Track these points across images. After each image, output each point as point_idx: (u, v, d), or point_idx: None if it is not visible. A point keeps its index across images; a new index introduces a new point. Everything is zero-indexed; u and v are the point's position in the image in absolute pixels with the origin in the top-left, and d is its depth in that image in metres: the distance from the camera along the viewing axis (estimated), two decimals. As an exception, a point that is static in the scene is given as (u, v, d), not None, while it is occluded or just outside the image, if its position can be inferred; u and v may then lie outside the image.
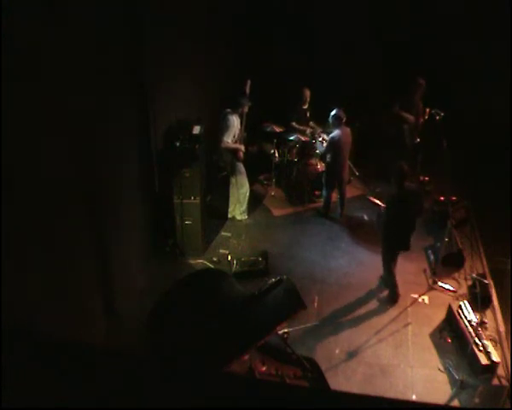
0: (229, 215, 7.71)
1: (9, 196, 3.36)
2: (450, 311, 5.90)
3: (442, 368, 5.40)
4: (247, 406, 1.28)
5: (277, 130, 8.14)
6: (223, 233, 7.45)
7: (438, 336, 5.79)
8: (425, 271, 6.79)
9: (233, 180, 7.39)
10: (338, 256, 7.09)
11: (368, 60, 9.02)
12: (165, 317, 4.18)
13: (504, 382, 5.19)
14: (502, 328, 5.78)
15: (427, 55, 8.70)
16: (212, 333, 3.87)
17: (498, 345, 5.51)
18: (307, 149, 8.40)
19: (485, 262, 6.87)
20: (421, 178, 8.55)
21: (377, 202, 6.25)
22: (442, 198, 7.75)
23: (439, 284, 6.52)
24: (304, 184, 8.25)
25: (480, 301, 5.86)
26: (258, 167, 8.59)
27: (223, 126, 7.01)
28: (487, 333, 5.56)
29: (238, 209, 7.63)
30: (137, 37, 5.57)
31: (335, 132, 7.35)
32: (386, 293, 6.41)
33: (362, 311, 6.17)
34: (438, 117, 8.11)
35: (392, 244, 6.14)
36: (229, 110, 7.03)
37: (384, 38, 8.81)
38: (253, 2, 9.06)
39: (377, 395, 3.35)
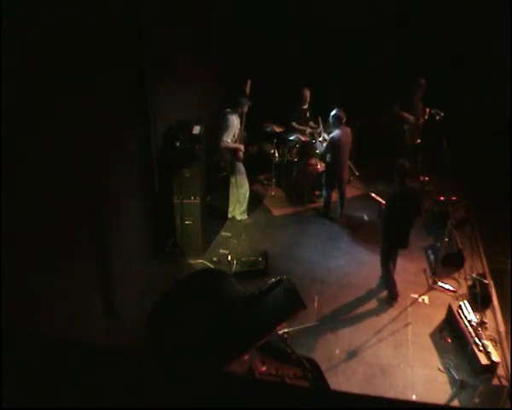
0: (229, 215, 7.71)
1: (9, 195, 3.36)
2: (450, 311, 5.90)
3: (442, 368, 5.40)
4: (247, 406, 1.28)
5: (277, 130, 8.14)
6: (223, 233, 7.46)
7: (438, 336, 5.79)
8: (425, 271, 6.79)
9: (233, 180, 7.39)
10: (338, 256, 7.09)
11: (368, 60, 9.03)
12: (165, 317, 4.18)
13: (504, 382, 5.20)
14: (502, 328, 5.79)
15: (427, 55, 8.70)
16: (212, 333, 3.87)
17: (498, 345, 5.51)
18: (307, 149, 8.40)
19: (485, 262, 6.87)
20: (421, 178, 8.56)
21: (378, 198, 6.26)
22: (442, 198, 7.76)
23: (439, 284, 6.52)
24: (304, 184, 8.26)
25: (479, 301, 5.86)
26: (258, 167, 8.59)
27: (222, 126, 7.02)
28: (487, 333, 5.56)
29: (238, 209, 7.64)
30: (137, 37, 5.56)
31: (335, 132, 7.35)
32: (386, 293, 6.41)
33: (362, 311, 6.17)
34: (438, 117, 8.13)
35: (391, 241, 6.15)
36: (228, 110, 7.03)
37: (384, 37, 8.81)
38: (253, 2, 9.06)
39: (377, 395, 3.36)
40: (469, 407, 5.06)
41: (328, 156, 7.49)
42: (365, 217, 7.94)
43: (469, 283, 6.43)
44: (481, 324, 5.60)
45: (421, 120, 8.44)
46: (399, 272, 6.52)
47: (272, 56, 8.83)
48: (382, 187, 7.85)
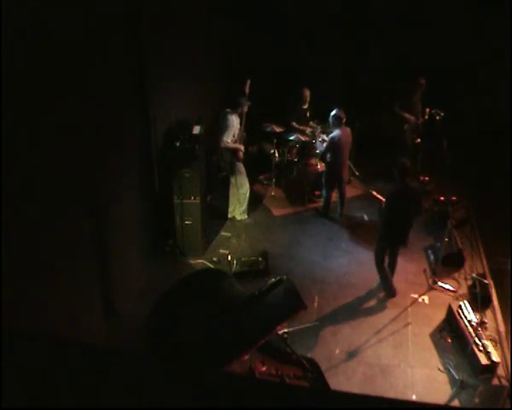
0: (229, 215, 7.71)
1: (9, 195, 3.36)
2: (450, 311, 5.90)
3: (442, 368, 5.40)
4: (247, 406, 1.28)
5: (277, 130, 8.14)
6: (223, 233, 7.46)
7: (438, 336, 5.79)
8: (425, 271, 6.79)
9: (233, 180, 7.39)
10: (338, 256, 7.09)
11: (368, 60, 9.03)
12: (165, 317, 4.18)
13: (504, 382, 5.20)
14: (502, 328, 5.79)
15: (427, 56, 8.70)
16: (212, 333, 3.88)
17: (498, 345, 5.51)
18: (307, 149, 8.41)
19: (485, 262, 6.87)
20: (421, 178, 8.56)
21: (379, 196, 6.27)
22: (442, 198, 7.76)
23: (439, 284, 6.52)
24: (304, 184, 8.26)
25: (479, 301, 5.86)
26: (258, 167, 8.59)
27: (222, 126, 7.02)
28: (487, 333, 5.56)
29: (238, 209, 7.64)
30: (137, 37, 5.57)
31: (335, 132, 7.35)
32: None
33: (362, 311, 6.17)
34: (438, 117, 8.14)
35: (390, 240, 6.16)
36: (228, 110, 7.03)
37: (384, 37, 8.81)
38: (253, 2, 9.06)
39: (377, 395, 3.36)
40: (469, 407, 5.06)
41: (328, 156, 7.49)
42: (365, 217, 7.94)
43: (469, 283, 6.43)
44: (481, 324, 5.60)
45: (421, 119, 8.45)
46: (399, 272, 6.52)
47: (272, 56, 8.83)
48: (382, 187, 7.85)
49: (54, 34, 3.87)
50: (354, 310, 6.18)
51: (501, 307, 6.05)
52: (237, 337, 3.94)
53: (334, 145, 7.35)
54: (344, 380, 5.24)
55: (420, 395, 5.08)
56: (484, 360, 5.22)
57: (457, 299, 6.18)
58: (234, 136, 7.10)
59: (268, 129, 8.16)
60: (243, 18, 8.92)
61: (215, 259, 6.86)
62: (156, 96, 6.04)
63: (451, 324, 5.83)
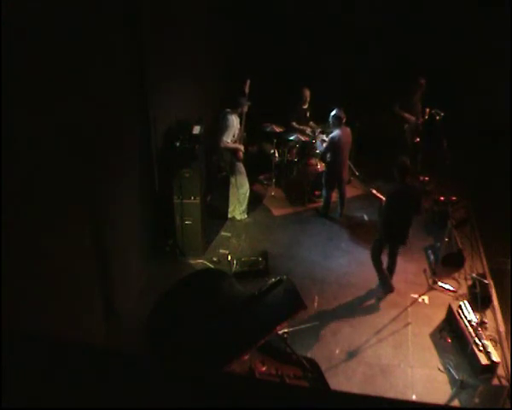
0: (229, 215, 7.71)
1: (9, 195, 3.36)
2: (450, 311, 5.90)
3: (442, 368, 5.40)
4: (247, 406, 1.28)
5: (277, 130, 8.14)
6: (223, 233, 7.46)
7: (438, 336, 5.79)
8: (425, 271, 6.79)
9: (233, 180, 7.39)
10: (338, 256, 7.09)
11: (368, 60, 9.03)
12: (166, 317, 4.18)
13: (504, 382, 5.20)
14: (502, 328, 5.79)
15: (427, 56, 8.70)
16: (212, 333, 3.88)
17: (498, 345, 5.51)
18: (307, 149, 8.41)
19: (485, 262, 6.87)
20: (421, 178, 8.56)
21: (379, 195, 6.28)
22: (442, 198, 7.76)
23: (439, 284, 6.52)
24: (304, 184, 8.26)
25: (479, 301, 5.86)
26: (258, 167, 8.59)
27: (222, 126, 7.02)
28: (487, 333, 5.56)
29: (238, 209, 7.64)
30: (137, 37, 5.57)
31: (335, 132, 7.35)
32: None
33: (362, 311, 6.17)
34: (438, 117, 8.14)
35: (388, 238, 6.18)
36: (228, 110, 7.03)
37: (384, 37, 8.81)
38: (253, 2, 9.06)
39: (377, 395, 3.36)
40: (469, 407, 5.06)
41: (328, 156, 7.49)
42: (365, 217, 7.94)
43: (469, 283, 6.43)
44: (481, 324, 5.60)
45: (421, 119, 8.45)
46: (399, 272, 6.52)
47: (272, 56, 8.83)
48: (382, 187, 7.85)
49: (54, 34, 3.87)
50: (354, 310, 6.18)
51: (501, 307, 6.05)
52: (237, 337, 3.94)
53: (334, 145, 7.35)
54: (344, 380, 5.24)
55: (420, 395, 5.08)
56: (484, 360, 5.22)
57: (457, 299, 6.18)
58: (234, 136, 7.10)
59: (268, 129, 8.16)
60: (243, 18, 8.92)
61: (215, 259, 6.86)
62: (156, 96, 6.04)
63: (451, 324, 5.83)
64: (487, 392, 5.21)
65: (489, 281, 6.22)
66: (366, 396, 1.44)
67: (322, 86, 8.34)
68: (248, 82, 7.15)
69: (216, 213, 7.71)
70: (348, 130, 7.47)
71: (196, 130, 6.54)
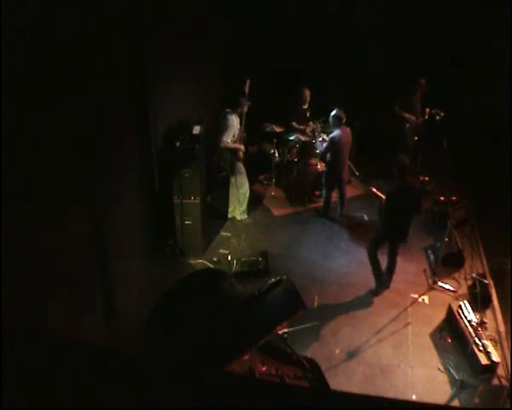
0: (229, 215, 7.71)
1: (9, 195, 3.36)
2: (450, 311, 5.90)
3: (442, 368, 5.40)
4: (247, 406, 1.28)
5: (277, 130, 8.14)
6: (223, 233, 7.46)
7: (438, 336, 5.79)
8: (425, 271, 6.79)
9: (233, 180, 7.39)
10: (338, 256, 7.09)
11: (368, 60, 9.03)
12: (166, 317, 4.18)
13: (504, 382, 5.20)
14: (502, 328, 5.79)
15: (427, 56, 8.70)
16: (212, 333, 3.87)
17: (498, 345, 5.51)
18: (307, 149, 8.41)
19: (485, 262, 6.87)
20: (421, 178, 8.56)
21: (379, 194, 6.29)
22: (442, 198, 7.76)
23: (439, 284, 6.52)
24: (304, 184, 8.26)
25: (480, 301, 5.86)
26: (258, 167, 8.59)
27: (222, 126, 7.02)
28: (487, 333, 5.56)
29: (238, 209, 7.64)
30: (137, 37, 5.57)
31: (335, 132, 7.36)
32: (386, 292, 6.41)
33: (362, 311, 6.17)
34: (438, 117, 8.14)
35: (387, 236, 6.20)
36: (228, 110, 7.03)
37: (384, 37, 8.82)
38: (253, 2, 9.06)
39: (377, 395, 3.36)
40: (469, 407, 5.06)
41: (328, 156, 7.49)
42: (365, 217, 7.94)
43: (469, 283, 6.43)
44: (481, 324, 5.60)
45: (421, 119, 8.46)
46: (399, 272, 6.52)
47: (272, 56, 8.83)
48: (382, 187, 7.85)
49: (54, 34, 3.87)
50: (354, 310, 6.18)
51: (501, 307, 6.05)
52: (237, 337, 3.93)
53: (334, 145, 7.35)
54: (344, 380, 5.24)
55: (420, 395, 5.08)
56: (484, 360, 5.22)
57: (457, 299, 6.18)
58: (234, 136, 7.10)
59: (268, 129, 8.16)
60: (243, 18, 8.92)
61: (215, 259, 6.86)
62: (156, 96, 6.04)
63: (451, 324, 5.83)
64: (487, 392, 5.21)
65: (489, 281, 6.22)
66: (366, 396, 1.44)
67: (322, 86, 8.33)
68: (248, 82, 7.15)
69: (216, 213, 7.71)
70: (348, 130, 7.47)
71: (196, 130, 6.54)
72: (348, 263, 6.94)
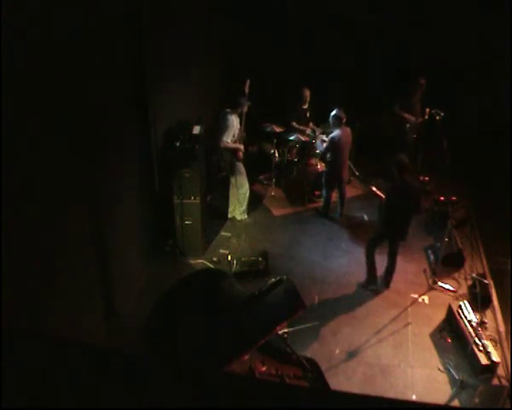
0: (229, 215, 7.71)
1: (9, 195, 3.36)
2: (450, 311, 5.90)
3: (442, 368, 5.40)
4: (247, 406, 1.28)
5: (277, 130, 8.14)
6: (223, 233, 7.46)
7: (438, 336, 5.79)
8: (425, 271, 6.79)
9: (233, 180, 7.39)
10: (338, 256, 7.09)
11: (368, 60, 9.03)
12: (166, 317, 4.18)
13: (504, 382, 5.20)
14: (502, 328, 5.79)
15: (427, 56, 8.70)
16: (212, 333, 3.87)
17: (498, 345, 5.51)
18: (307, 149, 8.41)
19: (485, 262, 6.87)
20: (421, 178, 8.56)
21: (379, 193, 6.29)
22: (442, 198, 7.76)
23: (439, 284, 6.52)
24: (304, 184, 8.26)
25: (480, 301, 5.86)
26: (258, 167, 8.59)
27: (222, 126, 7.02)
28: (487, 333, 5.56)
29: (238, 209, 7.64)
30: (137, 37, 5.56)
31: (335, 132, 7.36)
32: (386, 292, 6.42)
33: (362, 311, 6.17)
34: (438, 117, 8.14)
35: (387, 235, 6.22)
36: (228, 110, 7.03)
37: (384, 37, 8.81)
38: (253, 2, 9.06)
39: (377, 395, 3.36)
40: (469, 407, 5.06)
41: (328, 156, 7.49)
42: (365, 217, 7.94)
43: (469, 283, 6.43)
44: (481, 324, 5.60)
45: (421, 119, 8.47)
46: (399, 272, 6.52)
47: (272, 56, 8.83)
48: (382, 186, 7.85)
49: (54, 34, 3.87)
50: (354, 310, 6.18)
51: (501, 307, 6.05)
52: (237, 337, 3.93)
53: (334, 145, 7.35)
54: (344, 380, 5.24)
55: (420, 395, 5.08)
56: (484, 360, 5.22)
57: (457, 299, 6.18)
58: (234, 136, 7.10)
59: (268, 129, 8.16)
60: (243, 18, 8.92)
61: (215, 259, 6.86)
62: (156, 96, 6.04)
63: (451, 324, 5.83)
64: (487, 392, 5.21)
65: (489, 281, 6.22)
66: (366, 396, 1.44)
67: (322, 86, 8.33)
68: (248, 82, 7.15)
69: (216, 213, 7.71)
70: (348, 130, 7.47)
71: (196, 130, 6.54)
72: (348, 263, 6.94)
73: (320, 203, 8.09)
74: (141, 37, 5.60)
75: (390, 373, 5.36)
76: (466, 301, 5.88)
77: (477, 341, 5.36)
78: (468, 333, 5.48)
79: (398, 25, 8.72)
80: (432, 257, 6.95)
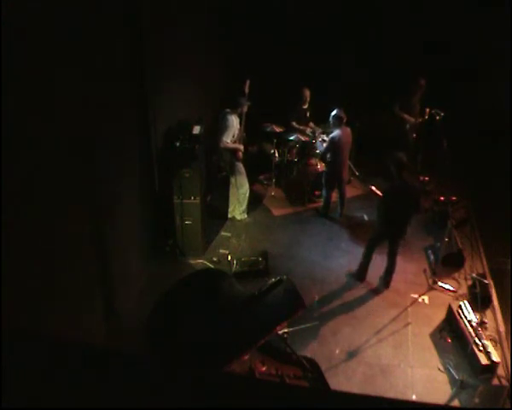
0: (229, 215, 7.71)
1: (9, 195, 3.36)
2: (450, 311, 5.90)
3: (442, 368, 5.40)
4: (247, 406, 1.28)
5: (277, 130, 8.14)
6: (223, 233, 7.46)
7: (438, 336, 5.79)
8: (425, 271, 6.79)
9: (233, 180, 7.39)
10: (338, 256, 7.09)
11: (368, 60, 9.03)
12: (166, 317, 4.18)
13: (504, 382, 5.19)
14: (502, 328, 5.79)
15: (427, 56, 8.70)
16: (212, 333, 3.87)
17: (498, 345, 5.51)
18: (307, 149, 8.41)
19: (485, 262, 6.87)
20: (421, 178, 8.56)
21: (378, 192, 6.30)
22: (442, 198, 7.77)
23: (439, 284, 6.52)
24: (304, 184, 8.26)
25: (479, 301, 5.86)
26: (258, 167, 8.59)
27: (222, 126, 7.01)
28: (487, 333, 5.56)
29: (238, 209, 7.64)
30: (137, 37, 5.57)
31: (335, 132, 7.35)
32: (386, 292, 6.42)
33: (362, 311, 6.17)
34: (438, 117, 8.14)
35: (386, 235, 6.22)
36: (228, 110, 7.03)
37: (384, 37, 8.81)
38: (253, 2, 9.06)
39: (377, 395, 3.35)
40: (469, 407, 5.06)
41: (328, 156, 7.49)
42: (365, 217, 7.94)
43: (469, 283, 6.43)
44: (481, 324, 5.60)
45: (420, 119, 8.47)
46: (399, 272, 6.53)
47: (272, 56, 8.83)
48: (382, 185, 7.86)
49: (54, 34, 3.87)
50: (354, 310, 6.18)
51: (501, 307, 6.05)
52: (237, 337, 3.93)
53: (334, 145, 7.35)
54: (344, 380, 5.24)
55: (420, 395, 5.08)
56: (484, 360, 5.22)
57: (457, 299, 6.18)
58: (233, 136, 7.10)
59: (268, 129, 8.16)
60: (243, 18, 8.92)
61: (215, 259, 6.86)
62: (156, 96, 6.04)
63: (451, 324, 5.83)
64: (487, 392, 5.21)
65: (489, 281, 6.22)
66: (366, 396, 1.44)
67: (322, 86, 8.33)
68: (248, 82, 7.15)
69: (216, 213, 7.71)
70: (348, 130, 7.46)
71: (196, 130, 6.54)
72: (348, 263, 6.94)
73: (320, 203, 8.09)
74: (141, 37, 5.60)
75: (390, 373, 5.36)
76: (466, 301, 5.88)
77: (477, 341, 5.36)
78: (468, 333, 5.48)
79: (398, 25, 8.72)
80: (432, 257, 6.95)
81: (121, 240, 5.58)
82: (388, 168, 6.06)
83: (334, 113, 7.31)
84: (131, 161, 5.85)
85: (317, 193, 8.28)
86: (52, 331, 3.91)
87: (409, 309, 6.20)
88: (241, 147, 7.25)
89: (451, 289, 6.44)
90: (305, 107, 8.57)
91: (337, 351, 5.59)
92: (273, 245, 7.20)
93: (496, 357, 5.24)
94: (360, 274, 6.56)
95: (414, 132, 8.61)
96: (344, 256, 7.08)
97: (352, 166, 8.62)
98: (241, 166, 7.34)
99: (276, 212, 8.07)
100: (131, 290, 5.96)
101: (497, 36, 8.34)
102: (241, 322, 4.06)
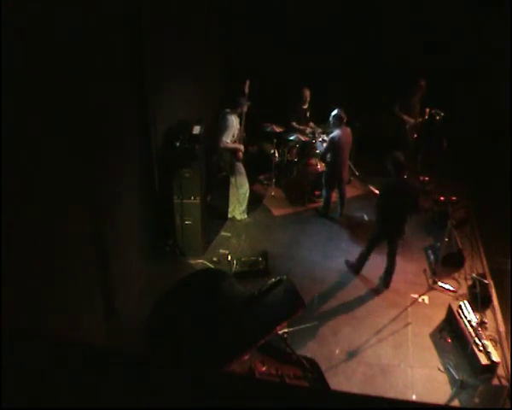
0: (229, 215, 7.72)
1: (9, 195, 3.36)
2: (450, 311, 5.90)
3: (442, 368, 5.40)
4: (247, 406, 1.28)
5: (277, 130, 8.14)
6: (223, 233, 7.46)
7: (438, 336, 5.79)
8: (425, 271, 6.79)
9: (233, 180, 7.40)
10: (338, 256, 7.09)
11: (368, 60, 9.03)
12: (166, 317, 4.18)
13: (504, 382, 5.19)
14: (502, 328, 5.79)
15: (427, 56, 8.70)
16: (212, 333, 3.87)
17: (498, 345, 5.51)
18: (307, 149, 8.41)
19: (485, 262, 6.87)
20: (421, 178, 8.57)
21: (377, 191, 6.31)
22: (442, 198, 7.77)
23: (439, 284, 6.52)
24: (304, 184, 8.26)
25: (479, 301, 5.86)
26: (258, 167, 8.59)
27: (222, 126, 7.02)
28: (487, 333, 5.56)
29: (238, 209, 7.64)
30: (137, 37, 5.57)
31: (335, 132, 7.35)
32: (386, 292, 6.42)
33: (362, 311, 6.17)
34: (438, 117, 8.14)
35: (385, 234, 6.23)
36: (228, 110, 7.03)
37: (384, 37, 8.81)
38: (253, 2, 9.06)
39: (377, 395, 3.36)
40: (469, 407, 5.06)
41: (328, 156, 7.49)
42: (365, 217, 7.94)
43: (469, 283, 6.43)
44: (481, 324, 5.60)
45: (420, 119, 8.47)
46: (399, 272, 6.53)
47: (272, 56, 8.83)
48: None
49: (54, 34, 3.87)
50: (354, 310, 6.18)
51: (501, 307, 6.05)
52: (237, 337, 3.93)
53: (334, 145, 7.35)
54: (344, 380, 5.24)
55: (420, 395, 5.08)
56: (484, 360, 5.22)
57: (457, 299, 6.18)
58: (233, 136, 7.10)
59: (268, 129, 8.16)
60: (243, 18, 8.92)
61: (215, 259, 6.86)
62: (156, 96, 6.04)
63: (451, 324, 5.83)
64: (487, 392, 5.21)
65: (489, 281, 6.22)
66: (366, 396, 1.44)
67: (322, 86, 8.33)
68: (248, 82, 7.15)
69: (216, 213, 7.71)
70: (348, 130, 7.47)
71: (196, 130, 6.54)
72: (348, 263, 6.94)
73: (320, 203, 8.09)
74: (141, 37, 5.60)
75: (390, 373, 5.36)
76: (466, 301, 5.88)
77: (477, 341, 5.36)
78: (468, 333, 5.48)
79: (398, 25, 8.72)
80: (432, 257, 6.95)
81: (121, 240, 5.58)
82: (386, 167, 6.07)
83: (334, 113, 7.31)
84: (131, 161, 5.85)
85: (316, 193, 8.28)
86: (52, 331, 3.91)
87: (409, 309, 6.20)
88: (241, 147, 7.25)
89: (451, 289, 6.44)
90: (305, 107, 8.57)
91: (337, 351, 5.59)
92: (273, 245, 7.20)
93: (496, 357, 5.24)
94: (355, 268, 6.68)
95: (414, 132, 8.61)
96: (344, 256, 7.07)
97: (352, 166, 8.62)
98: (241, 166, 7.35)
99: (276, 212, 8.07)
100: (131, 290, 5.96)
101: (497, 36, 8.34)
102: (241, 322, 4.06)
